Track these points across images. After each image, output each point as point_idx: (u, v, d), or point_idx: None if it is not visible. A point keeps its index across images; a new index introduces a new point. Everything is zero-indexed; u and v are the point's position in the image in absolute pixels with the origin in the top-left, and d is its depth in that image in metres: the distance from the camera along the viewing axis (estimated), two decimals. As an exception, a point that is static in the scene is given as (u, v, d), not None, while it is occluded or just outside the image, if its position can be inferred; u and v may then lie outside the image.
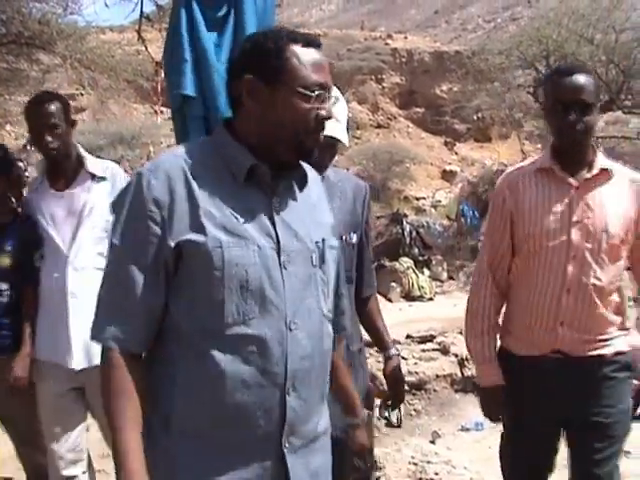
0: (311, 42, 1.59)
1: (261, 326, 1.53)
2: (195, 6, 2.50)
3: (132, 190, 1.54)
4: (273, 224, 1.57)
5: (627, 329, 2.51)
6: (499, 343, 2.58)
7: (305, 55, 1.56)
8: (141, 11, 5.37)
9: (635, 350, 2.49)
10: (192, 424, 1.54)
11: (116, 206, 1.58)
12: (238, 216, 1.54)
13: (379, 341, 2.59)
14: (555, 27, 15.08)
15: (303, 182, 1.67)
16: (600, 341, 2.42)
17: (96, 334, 1.56)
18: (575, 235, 2.36)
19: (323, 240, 1.65)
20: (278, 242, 1.56)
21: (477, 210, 15.25)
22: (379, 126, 25.76)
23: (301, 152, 1.59)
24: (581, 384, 2.41)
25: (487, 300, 2.51)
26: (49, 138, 2.94)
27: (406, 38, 29.98)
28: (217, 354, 1.51)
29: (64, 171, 3.04)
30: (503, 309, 2.60)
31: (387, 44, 27.95)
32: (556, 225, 2.37)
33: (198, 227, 1.51)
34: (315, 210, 1.70)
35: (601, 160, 2.42)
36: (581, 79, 2.34)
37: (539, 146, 18.95)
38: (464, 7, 65.17)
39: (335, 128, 2.27)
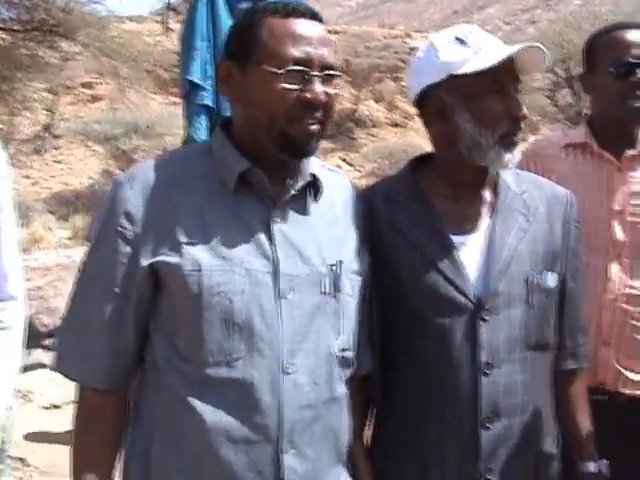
0: (294, 12, 1.29)
1: (248, 368, 1.26)
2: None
3: (106, 202, 1.33)
4: (271, 242, 1.29)
5: None
6: None
7: (280, 27, 1.27)
8: (168, 1, 5.46)
9: None
10: None
11: (94, 221, 1.39)
12: (226, 233, 1.28)
13: (578, 444, 1.61)
14: (575, 31, 15.04)
15: (317, 189, 1.36)
16: None
17: (59, 366, 1.35)
18: (617, 228, 1.88)
19: (340, 263, 1.34)
20: (276, 264, 1.29)
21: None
22: (395, 125, 25.71)
23: (286, 145, 1.28)
24: (628, 444, 1.77)
25: None
26: None
27: (425, 38, 29.96)
28: (196, 402, 1.26)
29: None
30: None
31: (405, 42, 27.87)
32: (594, 215, 1.85)
33: (174, 246, 1.26)
34: (336, 224, 1.39)
35: None
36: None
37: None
38: (483, 8, 64.91)
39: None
